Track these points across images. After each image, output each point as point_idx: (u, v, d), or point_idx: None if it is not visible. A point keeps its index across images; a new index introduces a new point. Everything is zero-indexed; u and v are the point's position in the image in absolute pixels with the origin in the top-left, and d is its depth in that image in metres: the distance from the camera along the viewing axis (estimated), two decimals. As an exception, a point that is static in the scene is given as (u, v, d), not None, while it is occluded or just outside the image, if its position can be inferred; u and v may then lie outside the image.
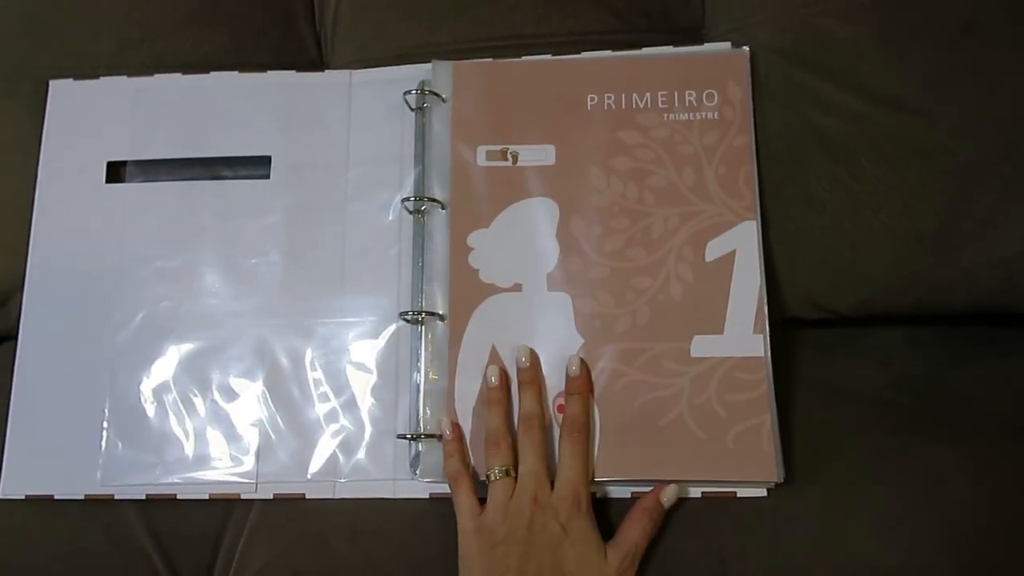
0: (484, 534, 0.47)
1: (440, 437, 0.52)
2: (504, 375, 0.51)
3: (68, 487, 0.55)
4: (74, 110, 0.60)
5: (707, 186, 0.53)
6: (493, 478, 0.48)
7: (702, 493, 0.50)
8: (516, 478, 0.48)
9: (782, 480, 0.49)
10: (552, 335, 0.53)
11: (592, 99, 0.55)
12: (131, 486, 0.54)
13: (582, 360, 0.51)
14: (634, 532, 0.48)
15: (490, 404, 0.51)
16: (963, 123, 0.51)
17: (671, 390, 0.51)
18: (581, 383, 0.51)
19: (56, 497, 0.55)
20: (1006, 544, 0.47)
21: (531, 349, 0.52)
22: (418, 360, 0.53)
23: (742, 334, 0.51)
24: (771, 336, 0.52)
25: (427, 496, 0.52)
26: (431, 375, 0.53)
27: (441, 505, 0.52)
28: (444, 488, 0.52)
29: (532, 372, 0.51)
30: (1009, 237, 0.51)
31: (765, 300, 0.52)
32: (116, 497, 0.54)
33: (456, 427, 0.51)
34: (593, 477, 0.50)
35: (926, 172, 0.52)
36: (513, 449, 0.49)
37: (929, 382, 0.55)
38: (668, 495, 0.49)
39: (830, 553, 0.48)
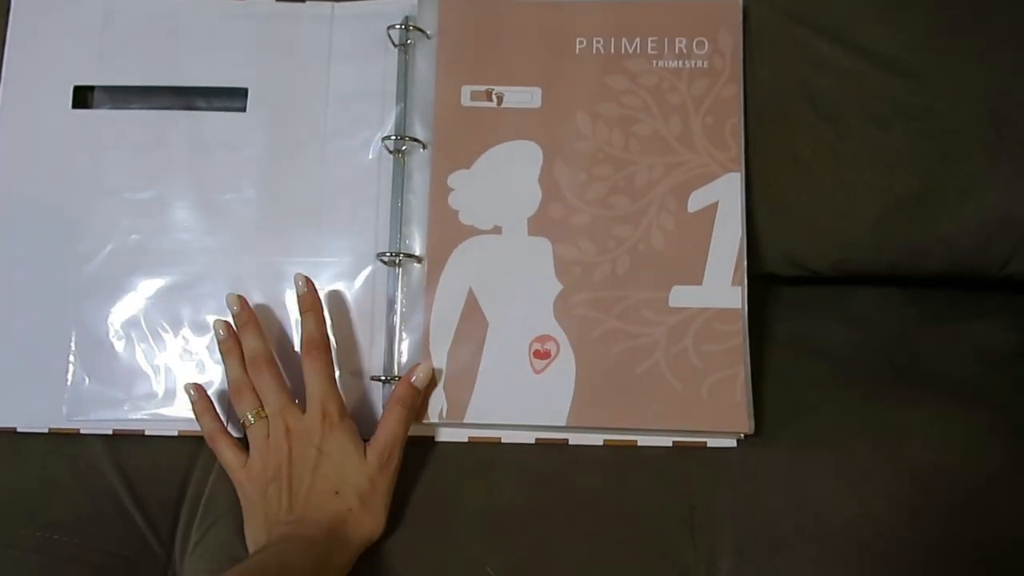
0: (254, 479, 0.48)
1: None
2: (229, 326, 0.51)
3: (32, 420, 0.54)
4: (39, 27, 0.57)
5: (693, 136, 0.53)
6: (248, 423, 0.49)
7: (673, 442, 0.51)
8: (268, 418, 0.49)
9: (752, 432, 0.50)
10: (530, 279, 0.52)
11: (581, 42, 0.54)
12: (98, 421, 0.53)
13: (307, 277, 0.51)
14: (390, 423, 0.49)
15: (226, 355, 0.50)
16: (952, 87, 0.52)
17: (648, 339, 0.51)
18: (311, 299, 0.51)
19: (19, 430, 0.54)
20: (963, 501, 0.49)
21: (239, 296, 0.51)
22: (394, 302, 0.53)
23: (721, 286, 0.52)
24: (747, 291, 0.52)
25: (399, 438, 0.52)
26: (409, 318, 0.52)
27: (417, 447, 0.52)
28: (418, 431, 0.52)
29: (246, 314, 0.51)
30: (987, 203, 0.52)
31: (745, 253, 0.52)
32: (82, 432, 0.53)
33: (199, 388, 0.51)
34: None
35: (912, 134, 0.52)
36: (255, 393, 0.49)
37: (899, 343, 0.56)
38: (419, 376, 0.50)
39: (794, 503, 0.49)
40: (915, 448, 0.50)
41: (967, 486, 0.49)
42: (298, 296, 0.51)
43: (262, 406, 0.49)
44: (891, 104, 0.52)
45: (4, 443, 0.53)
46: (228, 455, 0.49)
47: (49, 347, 0.54)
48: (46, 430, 0.53)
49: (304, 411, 0.49)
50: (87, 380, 0.53)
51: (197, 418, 0.50)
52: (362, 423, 0.50)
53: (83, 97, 0.56)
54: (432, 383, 0.51)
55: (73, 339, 0.54)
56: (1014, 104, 0.51)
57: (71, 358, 0.54)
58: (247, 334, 0.50)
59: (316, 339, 0.50)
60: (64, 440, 0.53)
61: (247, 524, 0.48)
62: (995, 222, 0.52)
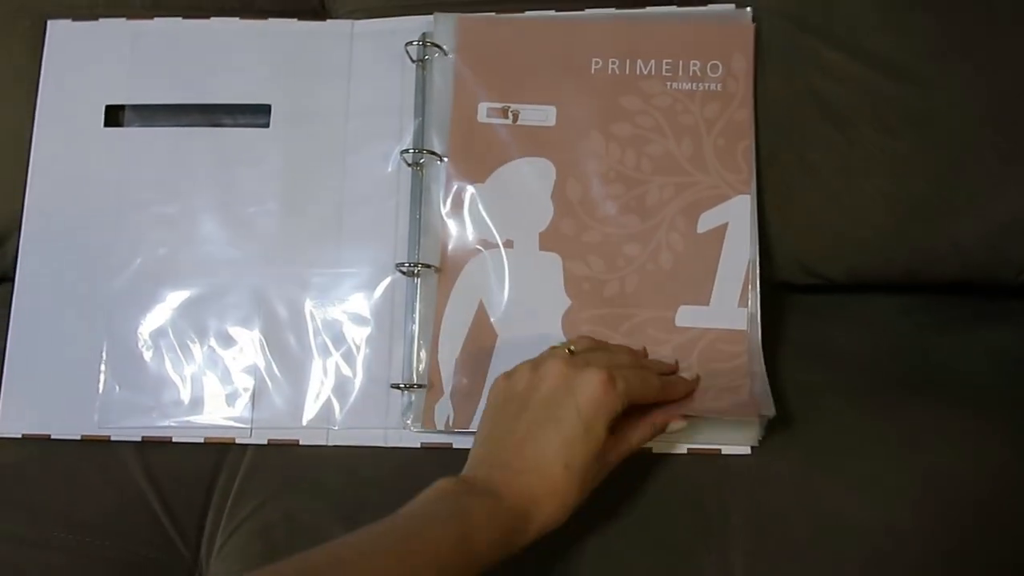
0: (506, 385, 0.45)
1: (420, 387, 0.53)
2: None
3: (65, 427, 0.55)
4: (72, 52, 0.60)
5: (705, 157, 0.54)
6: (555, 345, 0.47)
7: (687, 449, 0.51)
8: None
9: (773, 414, 0.49)
10: (540, 294, 0.53)
11: (596, 62, 0.55)
12: (128, 429, 0.55)
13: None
14: (634, 436, 0.46)
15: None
16: (962, 93, 0.52)
17: (657, 355, 0.52)
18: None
19: (53, 437, 0.55)
20: (978, 509, 0.48)
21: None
22: (412, 311, 0.54)
23: (727, 307, 0.52)
24: (761, 299, 0.52)
25: (419, 445, 0.53)
26: (424, 327, 0.54)
27: (433, 454, 0.53)
28: (436, 438, 0.53)
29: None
30: (999, 209, 0.52)
31: (755, 275, 0.52)
32: (112, 439, 0.55)
33: None
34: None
35: (922, 140, 0.52)
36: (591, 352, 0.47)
37: (914, 349, 0.56)
38: (676, 424, 0.48)
39: (808, 510, 0.49)
40: (931, 455, 0.50)
41: (983, 493, 0.49)
42: None
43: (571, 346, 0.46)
44: (900, 111, 0.52)
45: (38, 449, 0.55)
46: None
47: (82, 357, 0.56)
48: (78, 437, 0.55)
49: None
50: (118, 389, 0.55)
51: None
52: (380, 430, 0.52)
53: (114, 116, 0.59)
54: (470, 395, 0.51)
55: (104, 349, 0.56)
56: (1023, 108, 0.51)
57: (102, 367, 0.56)
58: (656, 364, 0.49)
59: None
60: (95, 446, 0.55)
61: (479, 426, 0.46)
62: (1009, 227, 0.52)
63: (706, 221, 0.53)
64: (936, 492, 0.49)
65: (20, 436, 0.56)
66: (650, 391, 0.46)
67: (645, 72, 0.55)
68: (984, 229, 0.53)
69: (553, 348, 0.47)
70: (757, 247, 0.53)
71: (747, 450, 0.51)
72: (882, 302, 0.59)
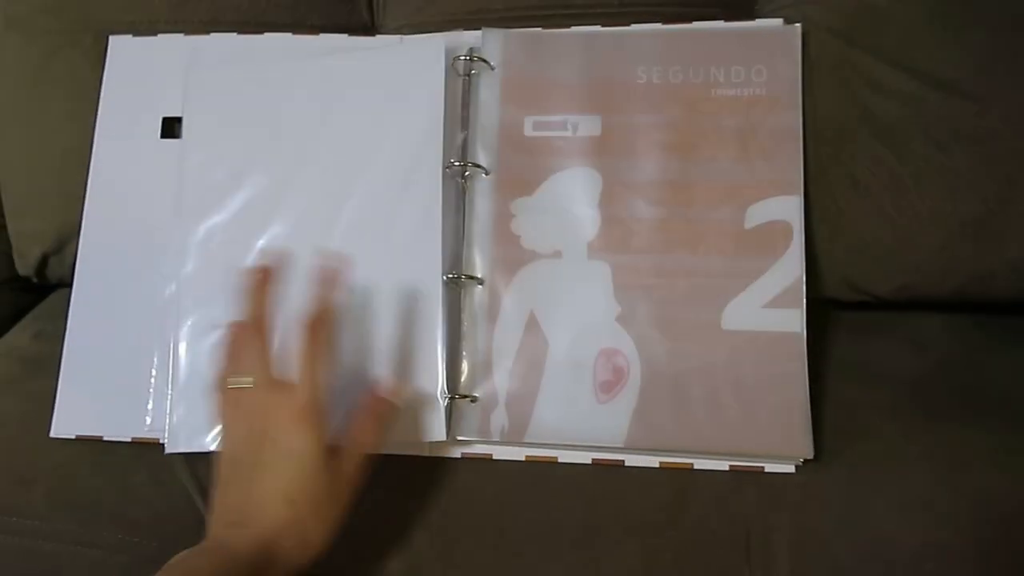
0: (236, 446, 0.45)
1: (473, 399, 0.53)
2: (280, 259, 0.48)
3: (117, 430, 0.57)
4: (132, 66, 0.62)
5: (752, 162, 0.53)
6: (235, 384, 0.46)
7: (730, 466, 0.51)
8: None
9: (811, 457, 0.50)
10: (590, 302, 0.53)
11: (641, 72, 0.56)
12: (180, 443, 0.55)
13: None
14: (362, 434, 0.46)
15: (255, 288, 0.48)
16: (1016, 108, 0.51)
17: (705, 361, 0.51)
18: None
19: (105, 438, 0.57)
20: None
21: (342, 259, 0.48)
22: (457, 323, 0.55)
23: (779, 310, 0.52)
24: (808, 315, 0.52)
25: (459, 456, 0.54)
26: (470, 338, 0.54)
27: (473, 465, 0.53)
28: (476, 449, 0.53)
29: (337, 277, 0.48)
30: (1056, 227, 0.51)
31: (804, 276, 0.52)
32: (162, 442, 0.56)
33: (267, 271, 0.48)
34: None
35: (975, 157, 0.52)
36: (265, 350, 0.46)
37: (963, 369, 0.55)
38: (400, 394, 0.48)
39: (853, 531, 0.48)
40: (980, 476, 0.49)
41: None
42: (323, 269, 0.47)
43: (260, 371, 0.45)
44: (952, 127, 0.52)
45: (91, 450, 0.57)
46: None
47: (134, 361, 0.57)
48: (129, 439, 0.57)
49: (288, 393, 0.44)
50: (172, 400, 0.56)
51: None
52: (423, 440, 0.52)
53: (171, 127, 0.60)
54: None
55: (156, 354, 0.57)
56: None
57: (153, 372, 0.57)
58: (323, 289, 0.46)
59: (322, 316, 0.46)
60: (146, 449, 0.56)
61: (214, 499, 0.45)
62: (1064, 247, 0.51)
63: (753, 218, 0.53)
64: (987, 515, 0.48)
65: (74, 437, 0.57)
66: (319, 373, 0.45)
67: (690, 79, 0.55)
68: (1039, 248, 0.51)
69: (233, 386, 0.46)
70: (804, 263, 0.52)
71: (791, 468, 0.51)
72: (930, 320, 0.58)
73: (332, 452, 0.45)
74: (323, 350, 0.46)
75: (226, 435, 0.46)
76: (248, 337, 0.46)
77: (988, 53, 0.51)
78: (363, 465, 0.46)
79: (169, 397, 0.56)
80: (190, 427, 0.55)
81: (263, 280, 0.47)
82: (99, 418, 0.57)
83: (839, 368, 0.55)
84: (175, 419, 0.56)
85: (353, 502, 0.45)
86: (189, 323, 0.57)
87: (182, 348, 0.57)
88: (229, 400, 0.46)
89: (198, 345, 0.57)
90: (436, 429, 0.53)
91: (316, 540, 0.43)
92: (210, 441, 0.54)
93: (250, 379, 0.45)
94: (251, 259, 0.57)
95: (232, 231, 0.58)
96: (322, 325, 0.46)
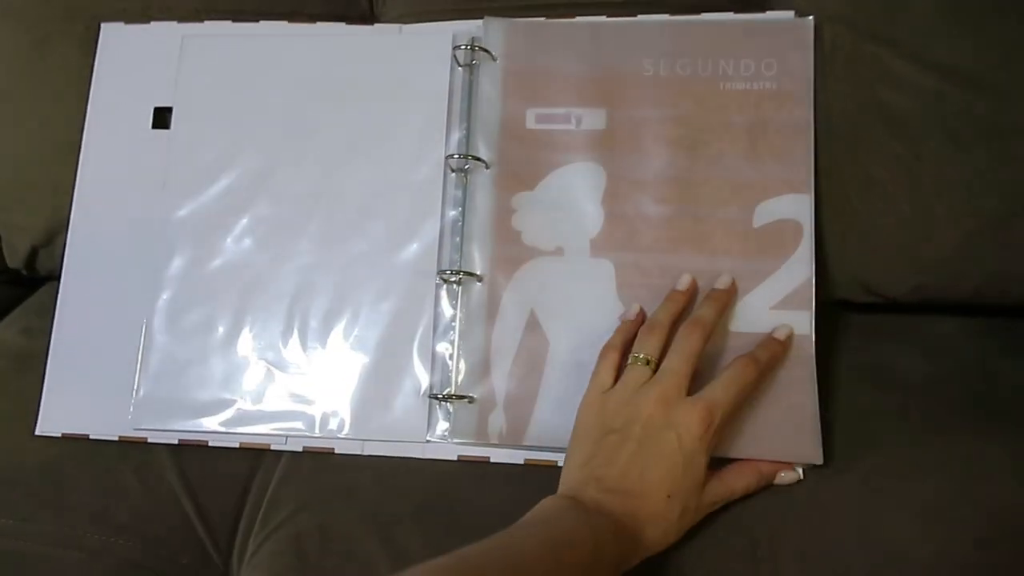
0: (601, 415, 0.45)
1: (470, 399, 0.51)
2: (695, 281, 0.50)
3: (103, 428, 0.55)
4: (124, 54, 0.60)
5: (761, 158, 0.52)
6: (635, 361, 0.46)
7: (737, 472, 0.49)
8: (656, 374, 0.46)
9: (820, 463, 0.48)
10: (592, 301, 0.52)
11: (647, 64, 0.54)
12: (164, 431, 0.54)
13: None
14: (738, 482, 0.46)
15: (667, 300, 0.49)
16: (1039, 105, 0.49)
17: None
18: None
19: (91, 437, 0.55)
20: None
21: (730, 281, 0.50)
22: (454, 320, 0.53)
23: (788, 311, 0.50)
24: (817, 317, 0.50)
25: (455, 458, 0.52)
26: (466, 337, 0.52)
27: (470, 467, 0.51)
28: (473, 451, 0.52)
29: (726, 296, 0.49)
30: (1079, 228, 0.49)
31: (814, 277, 0.50)
32: (149, 441, 0.55)
33: (642, 313, 0.50)
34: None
35: (995, 155, 0.50)
36: (664, 342, 0.47)
37: (978, 374, 0.53)
38: (786, 475, 0.48)
39: (863, 540, 0.46)
40: (995, 485, 0.47)
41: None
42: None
43: (661, 359, 0.46)
44: (972, 123, 0.50)
45: (77, 449, 0.55)
46: (602, 373, 0.47)
47: (121, 358, 0.56)
48: (116, 438, 0.55)
49: (690, 396, 0.45)
50: (152, 390, 0.55)
51: (614, 334, 0.49)
52: (418, 442, 0.50)
53: (162, 118, 0.59)
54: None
55: (142, 350, 0.55)
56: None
57: (139, 368, 0.55)
58: (709, 305, 0.48)
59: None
60: (132, 448, 0.55)
61: (571, 451, 0.46)
62: (1087, 249, 0.49)
63: (762, 214, 0.51)
64: (1003, 524, 0.46)
65: (60, 435, 0.56)
66: (743, 392, 0.46)
67: (698, 73, 0.53)
68: (1060, 250, 0.50)
69: (633, 361, 0.46)
70: (814, 264, 0.50)
71: (800, 475, 0.49)
72: (945, 324, 0.56)
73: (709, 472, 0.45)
74: (751, 377, 0.46)
75: (619, 399, 0.45)
76: (685, 331, 0.47)
77: (1010, 45, 0.49)
78: (725, 501, 0.47)
79: (148, 383, 0.55)
80: (158, 404, 0.54)
81: (719, 299, 0.49)
82: (85, 416, 0.56)
83: (849, 372, 0.53)
84: (142, 394, 0.54)
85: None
86: (166, 298, 0.56)
87: (157, 324, 0.55)
88: (635, 372, 0.46)
89: (174, 323, 0.55)
90: (416, 430, 0.52)
91: (667, 540, 0.44)
92: (179, 422, 0.53)
93: (675, 367, 0.45)
94: (233, 239, 0.56)
95: (217, 211, 0.56)
96: (703, 333, 0.47)
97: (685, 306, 0.49)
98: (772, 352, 0.48)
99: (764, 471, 0.47)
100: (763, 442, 0.48)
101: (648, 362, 0.46)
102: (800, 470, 0.48)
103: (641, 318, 0.50)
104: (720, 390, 0.45)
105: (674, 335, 0.47)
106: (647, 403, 0.44)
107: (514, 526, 0.41)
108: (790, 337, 0.49)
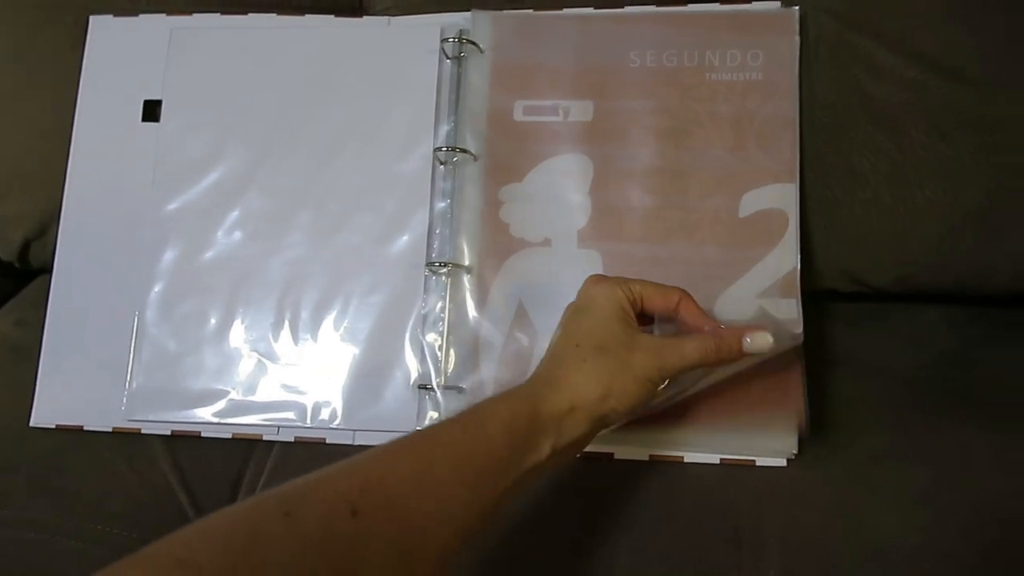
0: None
1: (459, 389, 0.52)
2: None
3: (97, 419, 0.56)
4: (113, 47, 0.60)
5: (747, 148, 0.52)
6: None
7: (721, 459, 0.50)
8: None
9: (799, 451, 0.48)
10: None
11: (634, 56, 0.54)
12: (157, 422, 0.55)
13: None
14: (690, 345, 0.42)
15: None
16: (1021, 95, 0.49)
17: None
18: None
19: (86, 428, 0.56)
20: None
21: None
22: (443, 312, 0.53)
23: (774, 299, 0.50)
24: (802, 307, 0.50)
25: (446, 447, 0.53)
26: (455, 327, 0.53)
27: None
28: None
29: None
30: (1059, 218, 0.50)
31: (799, 265, 0.51)
32: (143, 432, 0.55)
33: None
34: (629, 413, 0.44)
35: (978, 146, 0.50)
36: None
37: (961, 362, 0.54)
38: (753, 341, 0.43)
39: (846, 528, 0.47)
40: (978, 473, 0.48)
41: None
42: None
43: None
44: (955, 115, 0.50)
45: (71, 440, 0.56)
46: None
47: (114, 350, 0.56)
48: (110, 429, 0.56)
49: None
50: (147, 382, 0.55)
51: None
52: (404, 430, 0.51)
53: (152, 111, 0.59)
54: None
55: (134, 342, 0.56)
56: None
57: (132, 359, 0.56)
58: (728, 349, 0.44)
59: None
60: (127, 439, 0.55)
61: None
62: (1068, 238, 0.50)
63: (749, 204, 0.51)
64: (985, 512, 0.47)
65: (54, 427, 0.56)
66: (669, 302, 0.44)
67: (684, 64, 0.53)
68: (1041, 239, 0.50)
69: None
70: (799, 253, 0.51)
71: (783, 462, 0.50)
72: (928, 313, 0.57)
73: (641, 333, 0.43)
74: (669, 300, 0.44)
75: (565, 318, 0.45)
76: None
77: (994, 37, 0.50)
78: (680, 370, 0.43)
79: (141, 374, 0.55)
80: (151, 396, 0.55)
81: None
82: (80, 407, 0.56)
83: (834, 361, 0.54)
84: (135, 385, 0.55)
85: (647, 398, 0.42)
86: (157, 290, 0.56)
87: (149, 316, 0.56)
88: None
89: (166, 315, 0.56)
90: (406, 419, 0.52)
91: (610, 404, 0.41)
92: (172, 413, 0.54)
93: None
94: (223, 232, 0.56)
95: (207, 204, 0.57)
96: (691, 305, 0.45)
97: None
98: (730, 349, 0.44)
99: (724, 336, 0.43)
100: (746, 429, 0.49)
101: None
102: (770, 337, 0.43)
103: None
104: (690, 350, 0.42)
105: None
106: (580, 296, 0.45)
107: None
108: (762, 350, 0.44)
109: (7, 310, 0.67)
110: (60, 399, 0.57)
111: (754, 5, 0.55)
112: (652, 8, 0.55)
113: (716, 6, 0.55)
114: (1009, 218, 0.50)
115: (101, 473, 0.54)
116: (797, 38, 0.53)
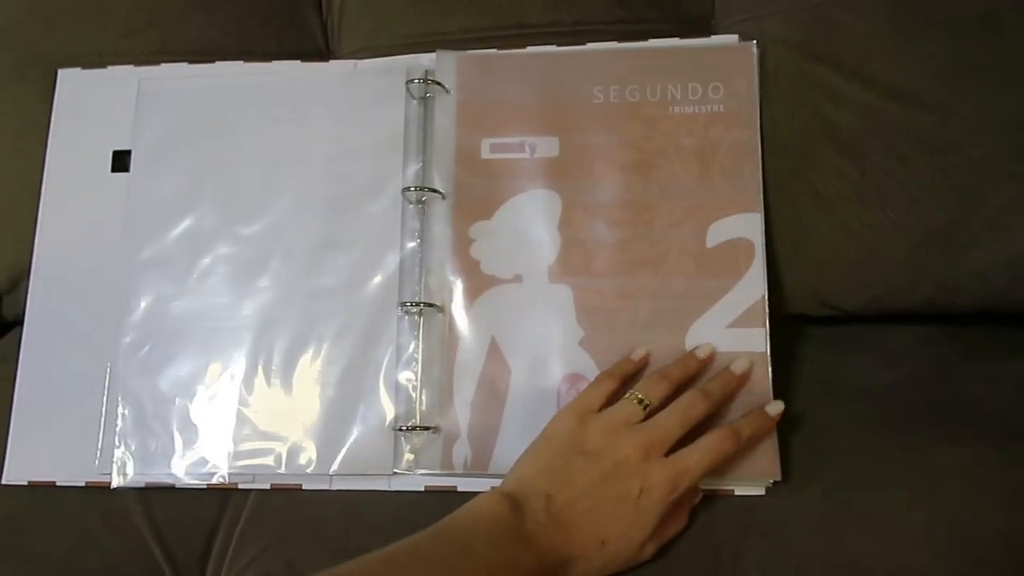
0: (578, 433, 0.45)
1: (435, 430, 0.52)
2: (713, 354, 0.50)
3: (70, 474, 0.55)
4: (81, 99, 0.61)
5: (711, 179, 0.53)
6: (634, 398, 0.46)
7: (700, 490, 0.50)
8: (647, 420, 0.45)
9: (780, 479, 0.48)
10: (552, 327, 0.52)
11: (597, 91, 0.55)
12: (130, 475, 0.54)
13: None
14: (674, 529, 0.47)
15: (682, 362, 0.49)
16: (976, 119, 0.50)
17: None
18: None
19: (58, 483, 0.55)
20: (1009, 551, 0.46)
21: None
22: (416, 352, 0.53)
23: (743, 329, 0.51)
24: (774, 331, 0.51)
25: (423, 489, 0.52)
26: (429, 368, 0.53)
27: (437, 497, 0.51)
28: (440, 481, 0.52)
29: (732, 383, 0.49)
30: (1020, 236, 0.50)
31: (767, 294, 0.51)
32: (115, 486, 0.54)
33: (647, 358, 0.50)
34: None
35: (937, 168, 0.51)
36: (669, 399, 0.47)
37: (935, 382, 0.54)
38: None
39: (826, 553, 0.47)
40: (956, 494, 0.48)
41: (1015, 534, 0.47)
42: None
43: (657, 409, 0.46)
44: (913, 138, 0.51)
45: (44, 496, 0.55)
46: (591, 393, 0.47)
47: (87, 403, 0.56)
48: (83, 484, 0.55)
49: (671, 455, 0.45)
50: (121, 434, 0.55)
51: (615, 366, 0.49)
52: (384, 475, 0.51)
53: (121, 161, 0.59)
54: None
55: (107, 394, 0.55)
56: (1040, 134, 0.49)
57: (104, 412, 0.55)
58: (721, 384, 0.48)
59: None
60: (99, 493, 0.54)
61: (533, 452, 0.46)
62: (1031, 256, 0.50)
63: (715, 234, 0.52)
64: (964, 534, 0.46)
65: (27, 483, 0.56)
66: (715, 464, 0.46)
67: (647, 98, 0.54)
68: (1005, 257, 0.51)
69: (631, 396, 0.46)
70: (766, 281, 0.51)
71: (761, 491, 0.49)
72: (900, 333, 0.57)
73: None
74: (693, 421, 0.46)
75: (603, 429, 0.45)
76: (690, 401, 0.47)
77: (946, 62, 0.51)
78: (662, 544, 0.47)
79: (114, 428, 0.55)
80: (124, 448, 0.54)
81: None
82: (52, 463, 0.56)
83: (809, 385, 0.54)
84: (107, 438, 0.55)
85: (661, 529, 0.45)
86: (129, 341, 0.56)
87: (121, 368, 0.56)
88: (627, 408, 0.46)
89: (139, 366, 0.55)
90: (383, 462, 0.52)
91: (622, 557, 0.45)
92: (145, 465, 0.54)
93: (667, 425, 0.45)
94: (195, 280, 0.56)
95: (178, 252, 0.57)
96: (707, 404, 0.47)
97: (695, 374, 0.49)
98: (726, 386, 0.48)
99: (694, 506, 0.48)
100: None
101: (645, 407, 0.46)
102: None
103: (645, 362, 0.50)
104: (695, 458, 0.45)
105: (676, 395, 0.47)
106: (628, 444, 0.44)
107: (437, 529, 0.42)
108: (749, 370, 0.49)
109: (-21, 365, 0.67)
110: (32, 455, 0.56)
111: (713, 39, 0.56)
112: (614, 44, 0.56)
113: (676, 41, 0.56)
114: (969, 237, 0.50)
115: (73, 530, 0.54)
116: (756, 70, 0.54)
